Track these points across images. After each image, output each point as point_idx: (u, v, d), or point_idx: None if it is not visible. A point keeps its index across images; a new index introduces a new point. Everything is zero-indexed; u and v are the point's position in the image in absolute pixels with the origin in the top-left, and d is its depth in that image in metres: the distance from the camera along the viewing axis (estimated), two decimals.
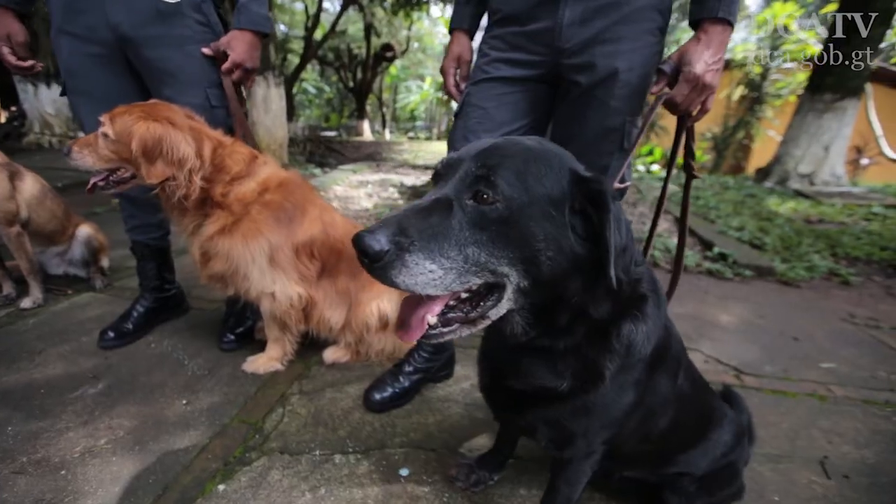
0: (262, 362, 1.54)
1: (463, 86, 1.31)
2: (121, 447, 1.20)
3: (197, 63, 1.43)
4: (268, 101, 4.65)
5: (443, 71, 1.32)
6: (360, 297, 1.58)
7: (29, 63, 1.38)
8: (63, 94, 1.44)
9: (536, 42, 1.11)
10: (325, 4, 13.67)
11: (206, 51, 1.40)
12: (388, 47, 14.06)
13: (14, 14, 1.35)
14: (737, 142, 6.62)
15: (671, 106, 1.05)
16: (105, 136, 1.19)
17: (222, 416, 1.34)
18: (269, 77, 4.59)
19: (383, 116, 16.99)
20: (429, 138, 16.57)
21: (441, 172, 0.67)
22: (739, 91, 6.48)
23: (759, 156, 6.38)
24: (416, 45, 16.68)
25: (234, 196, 1.31)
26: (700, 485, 1.00)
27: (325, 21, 13.32)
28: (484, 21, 1.31)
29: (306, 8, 12.80)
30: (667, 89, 1.05)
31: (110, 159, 1.22)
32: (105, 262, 2.20)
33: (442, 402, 1.47)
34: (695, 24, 1.04)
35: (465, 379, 1.59)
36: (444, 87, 1.34)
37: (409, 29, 14.28)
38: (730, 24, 1.01)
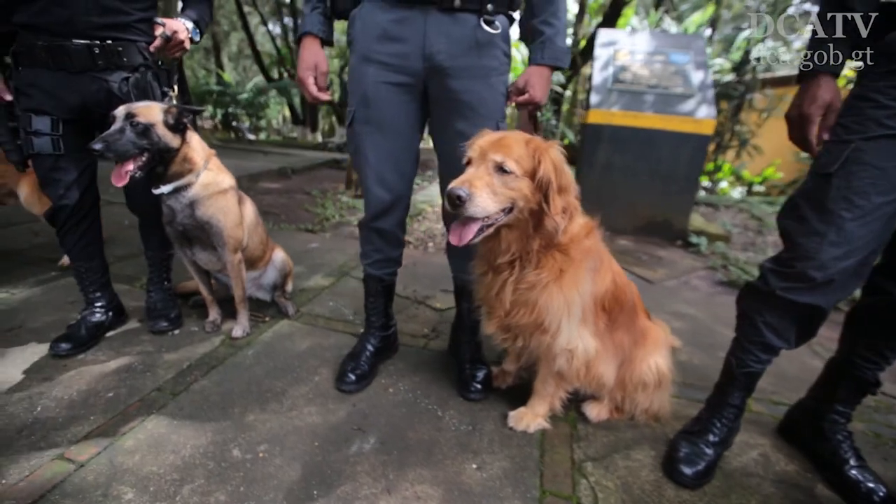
0: (530, 419, 1.41)
1: (825, 136, 1.15)
2: None
3: (497, 95, 1.32)
4: None
5: (803, 118, 1.15)
6: (634, 353, 1.43)
7: (327, 95, 1.29)
8: (350, 124, 1.34)
9: None
10: None
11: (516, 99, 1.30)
12: None
13: (320, 43, 1.27)
14: None
15: None
16: (506, 171, 1.06)
17: (527, 486, 1.20)
18: None
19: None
20: None
21: None
22: None
23: None
24: None
25: (570, 237, 1.18)
26: None
27: None
28: None
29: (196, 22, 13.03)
30: None
31: (509, 198, 1.08)
32: (290, 287, 2.12)
33: (746, 478, 1.31)
34: None
35: (748, 447, 1.43)
36: (791, 138, 1.18)
37: None
38: None
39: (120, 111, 1.38)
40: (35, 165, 1.51)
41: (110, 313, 1.76)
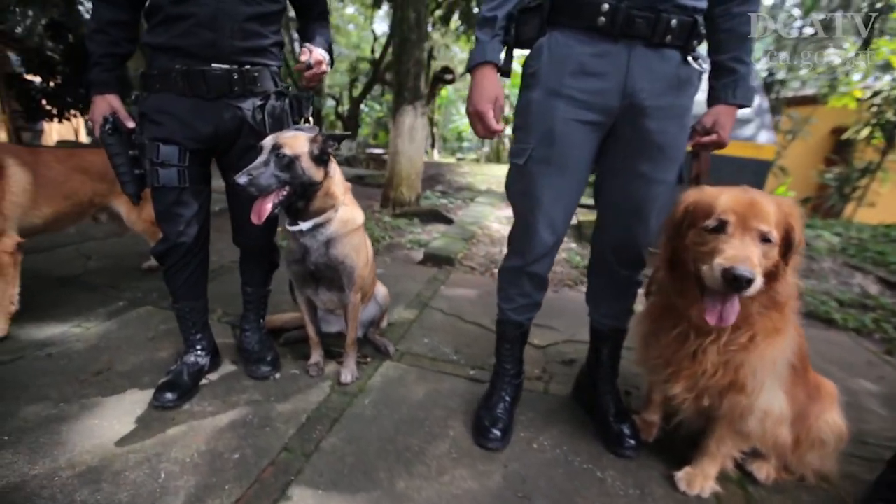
0: (702, 481, 1.28)
1: None
2: None
3: (685, 136, 1.23)
4: (413, 130, 4.49)
5: None
6: (810, 408, 1.33)
7: (501, 127, 1.19)
8: (525, 164, 1.22)
9: None
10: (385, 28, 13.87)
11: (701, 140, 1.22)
12: (447, 70, 14.07)
13: (500, 74, 1.17)
14: (863, 186, 6.35)
15: None
16: (768, 241, 0.97)
17: None
18: (417, 107, 4.44)
19: (433, 137, 17.00)
20: (477, 160, 16.46)
21: None
22: (865, 132, 6.23)
23: (890, 202, 6.09)
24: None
25: (788, 295, 1.08)
26: None
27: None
28: None
29: (374, 34, 13.17)
30: None
31: (764, 268, 0.99)
32: (385, 323, 1.98)
33: None
34: None
35: None
36: None
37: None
38: None
39: (268, 142, 1.25)
40: (156, 199, 1.37)
41: (209, 356, 1.61)
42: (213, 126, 1.34)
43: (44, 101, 7.35)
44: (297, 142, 1.27)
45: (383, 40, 12.56)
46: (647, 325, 1.29)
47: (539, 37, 1.16)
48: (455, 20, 10.32)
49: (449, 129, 18.67)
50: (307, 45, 1.41)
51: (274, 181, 1.24)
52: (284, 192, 1.28)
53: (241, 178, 1.20)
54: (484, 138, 1.24)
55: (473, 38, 1.19)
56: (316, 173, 1.31)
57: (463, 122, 17.67)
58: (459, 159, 16.52)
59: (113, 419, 1.39)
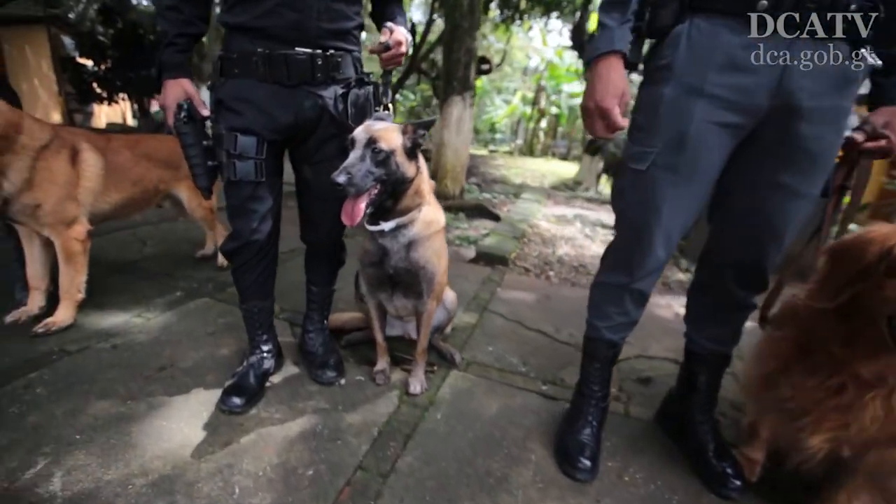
0: None
1: None
2: None
3: (840, 142, 1.05)
4: (461, 122, 4.34)
5: None
6: None
7: (626, 122, 1.04)
8: (646, 169, 1.07)
9: None
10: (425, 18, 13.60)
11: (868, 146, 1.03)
12: (484, 60, 13.78)
13: (625, 63, 1.02)
14: None
15: None
16: None
17: None
18: (466, 98, 4.29)
19: None
20: (510, 153, 16.15)
21: None
22: None
23: None
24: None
25: None
26: None
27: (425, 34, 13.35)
28: None
29: (411, 23, 12.92)
30: None
31: None
32: (449, 328, 1.88)
33: None
34: None
35: None
36: None
37: (507, 43, 13.98)
38: None
39: (361, 135, 1.15)
40: (230, 194, 1.29)
41: (274, 358, 1.54)
42: (292, 115, 1.25)
43: (94, 85, 7.56)
44: (391, 135, 1.16)
45: (420, 29, 12.32)
46: (771, 363, 1.13)
47: (676, 24, 1.00)
48: (493, 9, 10.00)
49: (482, 120, 18.35)
50: (388, 23, 1.29)
51: (370, 179, 1.14)
52: (376, 191, 1.17)
53: (340, 178, 1.10)
54: (601, 138, 1.09)
55: (597, 22, 1.03)
56: (409, 169, 1.19)
57: (497, 114, 17.34)
58: (492, 151, 16.22)
59: (180, 421, 1.34)
